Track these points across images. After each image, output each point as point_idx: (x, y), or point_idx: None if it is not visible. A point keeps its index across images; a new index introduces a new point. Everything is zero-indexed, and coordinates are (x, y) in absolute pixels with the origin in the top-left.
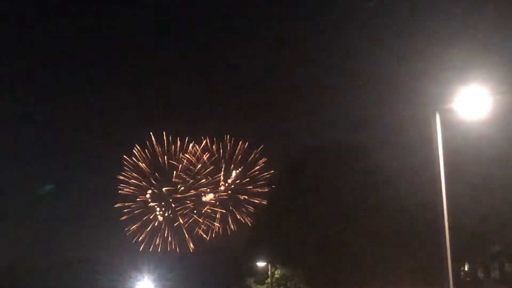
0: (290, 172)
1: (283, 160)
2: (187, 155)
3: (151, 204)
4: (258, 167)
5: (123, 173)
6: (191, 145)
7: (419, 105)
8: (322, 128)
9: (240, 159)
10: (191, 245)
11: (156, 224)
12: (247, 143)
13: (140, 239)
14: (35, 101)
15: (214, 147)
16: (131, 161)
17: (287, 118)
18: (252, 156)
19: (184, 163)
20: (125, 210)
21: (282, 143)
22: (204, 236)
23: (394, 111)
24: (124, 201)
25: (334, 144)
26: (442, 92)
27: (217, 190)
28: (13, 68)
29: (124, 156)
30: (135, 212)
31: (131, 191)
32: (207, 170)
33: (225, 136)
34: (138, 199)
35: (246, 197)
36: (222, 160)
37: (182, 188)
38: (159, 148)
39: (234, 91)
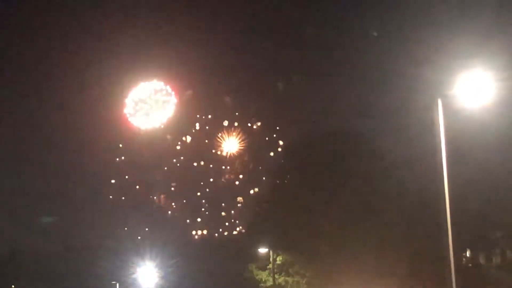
0: (293, 158)
1: (285, 147)
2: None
3: None
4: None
5: None
6: None
7: (422, 92)
8: (325, 115)
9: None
10: None
11: None
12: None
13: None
14: None
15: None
16: None
17: (291, 106)
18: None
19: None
20: None
21: (285, 130)
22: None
23: (397, 97)
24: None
25: (337, 131)
26: (444, 79)
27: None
28: None
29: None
30: None
31: None
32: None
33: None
34: None
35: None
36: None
37: None
38: None
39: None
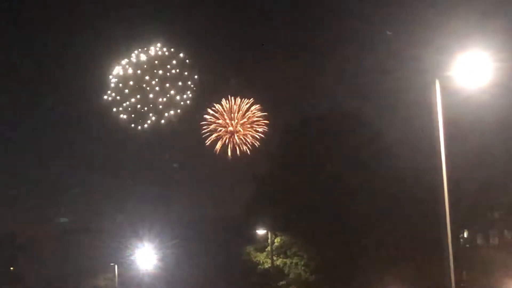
0: (291, 139)
1: (283, 128)
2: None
3: None
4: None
5: None
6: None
7: (419, 72)
8: (323, 95)
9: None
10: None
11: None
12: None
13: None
14: None
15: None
16: None
17: (286, 86)
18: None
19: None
20: None
21: (281, 111)
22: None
23: (394, 78)
24: None
25: (334, 112)
26: (442, 59)
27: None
28: None
29: None
30: None
31: None
32: None
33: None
34: None
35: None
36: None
37: None
38: None
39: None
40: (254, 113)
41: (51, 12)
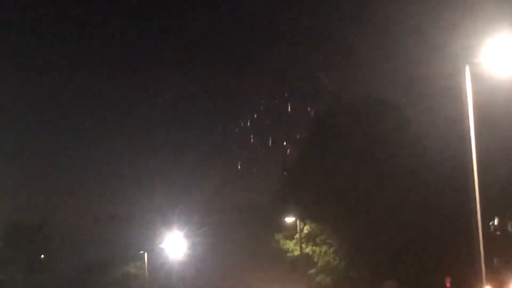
0: (320, 127)
1: (312, 116)
2: None
3: None
4: None
5: None
6: None
7: (448, 59)
8: (351, 83)
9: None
10: None
11: None
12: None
13: None
14: None
15: None
16: None
17: (314, 74)
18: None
19: None
20: None
21: (309, 99)
22: None
23: (423, 64)
24: None
25: (363, 99)
26: (472, 44)
27: None
28: None
29: None
30: None
31: None
32: None
33: None
34: None
35: None
36: None
37: None
38: None
39: (255, 49)
40: None
41: None
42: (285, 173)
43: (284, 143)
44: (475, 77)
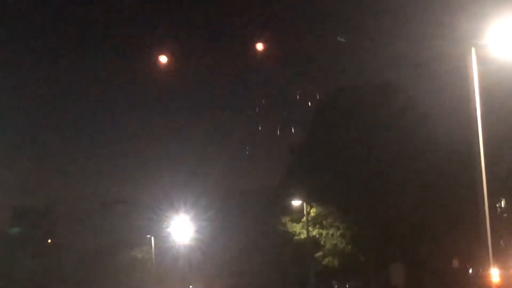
0: (325, 110)
1: (317, 99)
2: None
3: None
4: None
5: None
6: None
7: (454, 41)
8: (357, 65)
9: None
10: None
11: None
12: None
13: None
14: None
15: None
16: None
17: (318, 57)
18: None
19: None
20: None
21: (313, 83)
22: None
23: (428, 46)
24: None
25: (368, 81)
26: (478, 27)
27: None
28: None
29: None
30: None
31: None
32: None
33: None
34: None
35: None
36: None
37: None
38: None
39: (259, 33)
40: None
41: None
42: (291, 156)
43: (291, 128)
44: (480, 59)
